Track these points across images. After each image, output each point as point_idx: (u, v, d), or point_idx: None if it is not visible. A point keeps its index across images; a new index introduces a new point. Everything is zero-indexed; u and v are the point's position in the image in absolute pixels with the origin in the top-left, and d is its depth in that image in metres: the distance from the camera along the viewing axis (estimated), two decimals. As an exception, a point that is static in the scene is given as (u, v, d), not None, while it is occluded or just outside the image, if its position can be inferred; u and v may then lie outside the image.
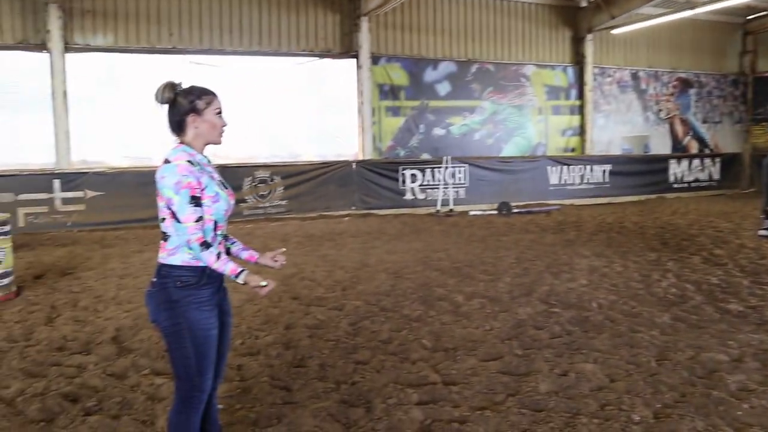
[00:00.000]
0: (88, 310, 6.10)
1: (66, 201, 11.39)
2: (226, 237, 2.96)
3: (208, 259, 2.64)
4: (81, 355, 4.87)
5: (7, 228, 6.60)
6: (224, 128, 2.84)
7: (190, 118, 2.74)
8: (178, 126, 2.77)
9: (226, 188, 2.84)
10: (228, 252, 2.96)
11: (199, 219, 2.64)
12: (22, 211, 11.02)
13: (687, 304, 6.12)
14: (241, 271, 2.66)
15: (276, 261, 3.00)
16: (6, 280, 6.53)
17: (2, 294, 6.47)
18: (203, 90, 2.79)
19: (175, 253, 2.69)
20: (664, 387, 4.10)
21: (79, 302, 6.39)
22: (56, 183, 11.32)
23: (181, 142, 2.77)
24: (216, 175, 2.82)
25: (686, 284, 6.91)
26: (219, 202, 2.72)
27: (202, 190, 2.67)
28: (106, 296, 6.62)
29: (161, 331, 2.77)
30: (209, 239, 2.69)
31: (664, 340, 5.06)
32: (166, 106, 2.76)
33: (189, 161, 2.66)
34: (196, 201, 2.63)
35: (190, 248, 2.64)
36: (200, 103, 2.74)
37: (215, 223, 2.75)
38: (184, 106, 2.73)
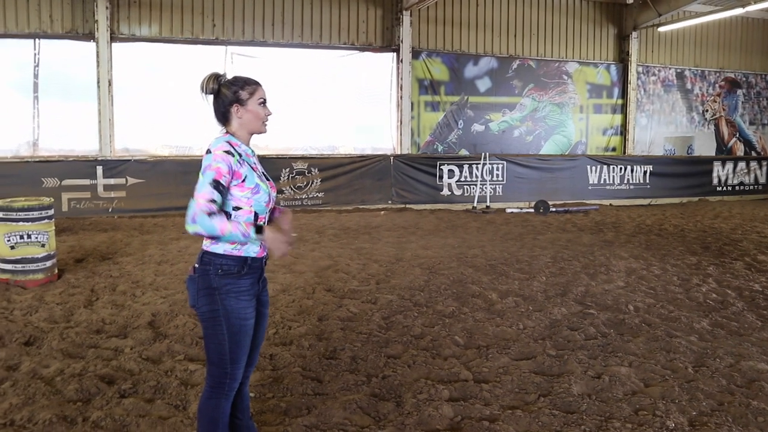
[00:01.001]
0: (126, 295, 6.23)
1: (108, 187, 11.63)
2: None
3: (219, 225, 2.56)
4: (118, 338, 4.97)
5: (50, 212, 6.77)
6: (268, 118, 2.85)
7: (234, 109, 2.76)
8: (223, 116, 2.80)
9: (268, 180, 2.86)
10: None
11: (213, 201, 2.57)
12: (65, 196, 11.29)
13: (727, 311, 5.97)
14: (261, 228, 2.65)
15: (286, 231, 2.85)
16: (49, 263, 6.70)
17: (45, 276, 6.64)
18: (247, 80, 2.80)
19: (218, 242, 2.71)
20: (701, 394, 4.01)
21: (118, 287, 6.52)
22: (99, 170, 11.57)
23: (226, 132, 2.80)
24: (259, 167, 2.83)
25: (727, 290, 6.74)
26: (259, 194, 2.73)
27: (243, 180, 2.68)
28: (143, 282, 6.74)
29: (199, 316, 2.80)
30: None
31: (703, 346, 4.94)
32: (211, 97, 2.78)
33: (227, 151, 2.67)
34: (217, 185, 2.60)
35: (193, 222, 2.56)
36: (243, 94, 2.76)
37: (256, 214, 2.76)
38: (228, 96, 2.76)
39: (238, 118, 2.77)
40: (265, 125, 2.85)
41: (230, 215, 2.70)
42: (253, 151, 2.87)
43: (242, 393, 2.98)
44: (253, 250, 2.77)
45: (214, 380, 2.80)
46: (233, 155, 2.68)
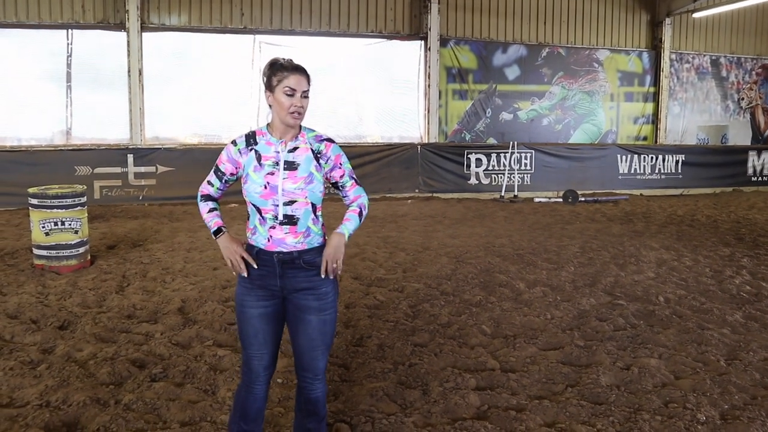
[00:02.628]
0: (156, 281, 6.32)
1: (138, 175, 11.79)
2: (347, 210, 2.83)
3: (201, 209, 2.85)
4: (148, 323, 5.05)
5: (83, 199, 6.89)
6: (296, 108, 2.62)
7: (267, 95, 2.69)
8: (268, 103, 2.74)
9: (291, 170, 2.67)
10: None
11: (209, 183, 2.85)
12: (97, 184, 11.48)
13: (762, 303, 5.86)
14: (219, 231, 2.77)
15: (327, 265, 2.70)
16: (82, 249, 6.83)
17: (78, 262, 6.77)
18: (282, 65, 2.65)
19: (247, 231, 2.80)
20: (734, 388, 3.94)
21: (148, 273, 6.62)
22: (130, 158, 11.73)
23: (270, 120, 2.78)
24: (281, 156, 2.67)
25: (762, 282, 6.60)
26: (247, 184, 2.70)
27: (237, 169, 2.76)
28: (173, 268, 6.83)
29: None
30: (257, 221, 2.72)
31: (735, 339, 4.86)
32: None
33: (233, 141, 2.77)
34: (216, 170, 2.82)
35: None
36: (273, 80, 2.64)
37: (257, 207, 2.69)
38: (263, 81, 2.69)
39: (269, 105, 2.71)
40: (293, 116, 2.63)
41: (247, 205, 2.79)
42: (306, 135, 2.75)
43: (309, 400, 2.84)
44: (260, 242, 2.72)
45: (242, 368, 2.87)
46: (235, 144, 2.74)
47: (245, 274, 2.70)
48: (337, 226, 2.75)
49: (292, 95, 2.61)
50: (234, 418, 2.88)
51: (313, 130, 2.81)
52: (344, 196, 2.87)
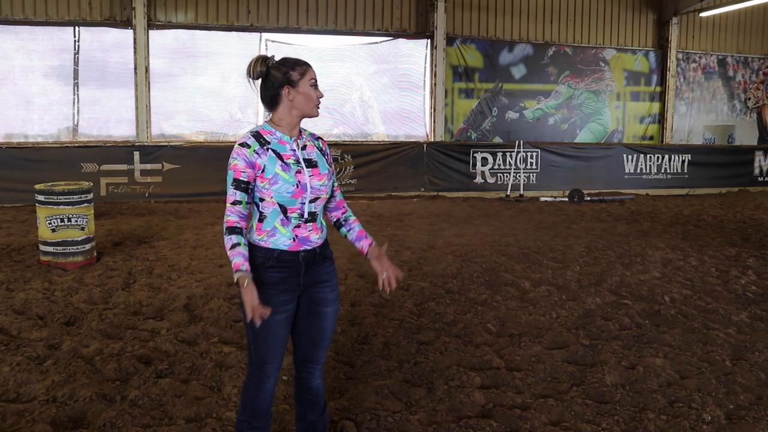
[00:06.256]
0: (162, 278, 6.34)
1: (144, 173, 11.83)
2: (346, 220, 2.94)
3: (225, 244, 2.56)
4: (154, 320, 5.07)
5: (90, 196, 6.92)
6: (320, 100, 2.73)
7: (285, 91, 2.65)
8: (271, 100, 2.69)
9: (313, 167, 2.70)
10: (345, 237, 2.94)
11: (236, 203, 2.57)
12: (103, 181, 11.52)
13: (768, 303, 5.84)
14: (240, 272, 2.49)
15: (384, 277, 2.80)
16: (88, 246, 6.85)
17: (84, 258, 6.79)
18: (297, 61, 2.69)
19: (250, 231, 2.69)
20: (739, 388, 3.94)
21: (154, 270, 6.64)
22: (136, 155, 11.76)
23: (268, 120, 2.72)
24: (299, 153, 2.68)
25: (768, 282, 6.59)
26: (278, 185, 2.59)
27: (261, 171, 2.59)
28: (179, 265, 6.85)
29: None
30: (278, 222, 2.64)
31: (741, 339, 4.85)
32: (257, 82, 2.69)
33: (243, 143, 2.61)
34: (237, 184, 2.58)
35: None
36: (295, 75, 2.65)
37: (283, 207, 2.64)
38: (278, 78, 2.64)
39: (288, 101, 2.66)
40: (317, 108, 2.73)
41: (258, 205, 2.66)
42: (305, 133, 2.77)
43: (309, 389, 2.87)
44: (283, 243, 2.65)
45: (249, 368, 2.80)
46: (249, 146, 2.60)
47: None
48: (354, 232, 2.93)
49: (316, 87, 2.71)
50: (243, 416, 2.83)
51: (304, 128, 2.84)
52: (332, 196, 2.89)
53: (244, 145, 2.61)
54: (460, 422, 3.46)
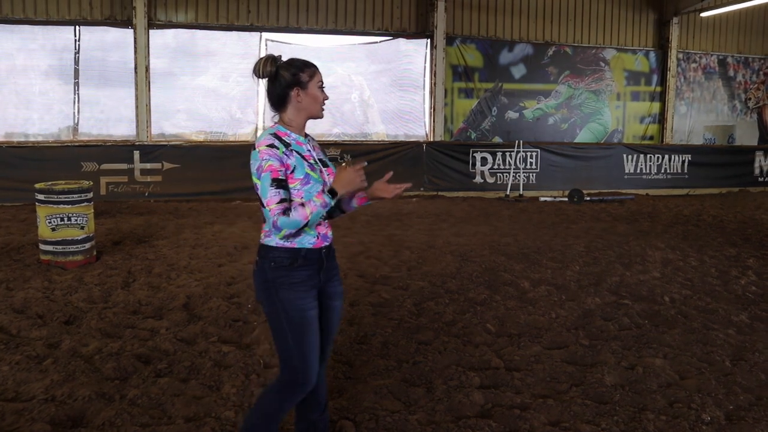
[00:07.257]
0: (162, 277, 6.34)
1: (144, 172, 11.83)
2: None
3: (299, 216, 2.52)
4: (154, 319, 5.07)
5: (90, 195, 6.92)
6: (325, 102, 2.76)
7: (294, 92, 2.66)
8: (279, 100, 2.69)
9: (327, 166, 2.77)
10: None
11: (282, 201, 2.53)
12: (103, 180, 11.52)
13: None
14: (326, 194, 2.55)
15: (388, 188, 2.85)
16: (88, 245, 6.85)
17: (84, 257, 6.79)
18: (305, 62, 2.71)
19: (270, 235, 2.66)
20: (739, 388, 3.94)
21: (154, 269, 6.64)
22: (136, 154, 11.76)
23: (277, 122, 2.72)
24: (314, 154, 2.73)
25: None
26: (309, 185, 2.61)
27: (291, 171, 2.59)
28: (178, 265, 6.85)
29: (264, 312, 2.77)
30: None
31: (741, 339, 4.85)
32: (264, 81, 2.69)
33: (270, 144, 2.58)
34: (278, 183, 2.54)
35: (278, 229, 2.56)
36: (304, 76, 2.67)
37: None
38: (287, 79, 2.65)
39: (297, 102, 2.67)
40: (323, 110, 2.75)
41: None
42: (307, 137, 2.79)
43: (316, 388, 2.85)
44: (308, 242, 2.67)
45: (285, 378, 2.71)
46: (278, 147, 2.58)
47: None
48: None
49: (322, 89, 2.74)
50: (257, 420, 2.76)
51: None
52: None
53: (272, 146, 2.59)
54: (459, 422, 3.46)
